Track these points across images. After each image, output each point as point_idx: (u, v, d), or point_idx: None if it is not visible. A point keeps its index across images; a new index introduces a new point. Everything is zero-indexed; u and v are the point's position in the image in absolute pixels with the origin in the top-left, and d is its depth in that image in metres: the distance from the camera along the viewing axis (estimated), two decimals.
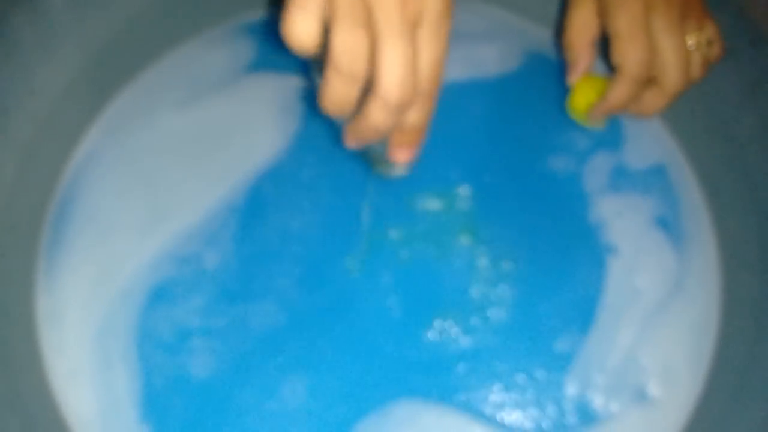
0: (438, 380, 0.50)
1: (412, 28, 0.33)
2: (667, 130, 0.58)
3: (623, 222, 0.55)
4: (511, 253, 0.53)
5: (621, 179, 0.56)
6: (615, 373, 0.51)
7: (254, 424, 0.49)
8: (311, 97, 0.57)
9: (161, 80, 0.57)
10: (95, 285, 0.52)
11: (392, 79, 0.33)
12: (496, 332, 0.51)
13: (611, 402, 0.50)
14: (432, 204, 0.54)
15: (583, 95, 0.51)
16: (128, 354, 0.50)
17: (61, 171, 0.54)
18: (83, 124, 0.55)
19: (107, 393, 0.50)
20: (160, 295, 0.52)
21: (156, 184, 0.54)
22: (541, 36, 0.60)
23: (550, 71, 0.58)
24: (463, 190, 0.54)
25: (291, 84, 0.57)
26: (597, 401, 0.50)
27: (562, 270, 0.53)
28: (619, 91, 0.46)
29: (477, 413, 0.50)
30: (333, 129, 0.55)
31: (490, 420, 0.50)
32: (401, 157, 0.40)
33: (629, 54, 0.44)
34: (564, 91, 0.51)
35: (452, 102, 0.57)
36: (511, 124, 0.56)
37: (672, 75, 0.45)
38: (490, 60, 0.58)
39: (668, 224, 0.55)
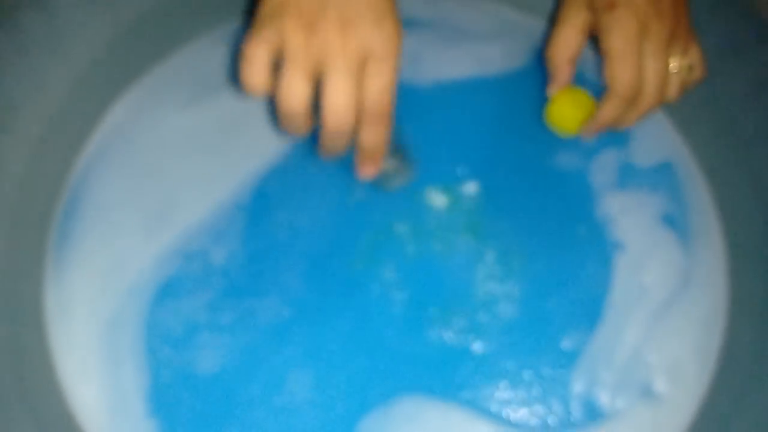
0: (443, 376, 0.50)
1: (357, 64, 0.38)
2: (674, 128, 0.58)
3: (630, 219, 0.55)
4: (518, 250, 0.53)
5: (628, 176, 0.56)
6: (622, 369, 0.51)
7: (261, 417, 0.49)
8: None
9: (168, 79, 0.57)
10: (104, 281, 0.52)
11: (330, 109, 0.39)
12: (502, 329, 0.51)
13: (618, 399, 0.50)
14: (438, 200, 0.54)
15: (560, 106, 0.52)
16: (136, 349, 0.51)
17: (70, 168, 0.55)
18: (91, 121, 0.56)
19: (115, 387, 0.50)
20: (167, 291, 0.52)
21: (164, 181, 0.54)
22: (547, 33, 0.60)
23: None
24: (470, 187, 0.55)
25: None
26: (603, 398, 0.50)
27: (568, 267, 0.53)
28: (609, 109, 0.47)
29: (482, 410, 0.50)
30: None
31: (495, 417, 0.50)
32: (364, 172, 0.45)
33: (621, 75, 0.45)
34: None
35: (459, 99, 0.57)
36: (517, 121, 0.56)
37: (648, 96, 0.46)
38: (496, 57, 0.58)
39: (675, 221, 0.55)
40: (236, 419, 0.49)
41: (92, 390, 0.50)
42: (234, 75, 0.57)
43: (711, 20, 0.53)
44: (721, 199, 0.55)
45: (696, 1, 0.53)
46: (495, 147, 0.56)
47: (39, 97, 0.51)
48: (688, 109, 0.56)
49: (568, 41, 0.49)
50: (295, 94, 0.38)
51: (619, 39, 0.44)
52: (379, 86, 0.39)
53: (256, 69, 0.38)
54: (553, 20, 0.50)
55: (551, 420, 0.50)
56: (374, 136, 0.41)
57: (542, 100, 0.53)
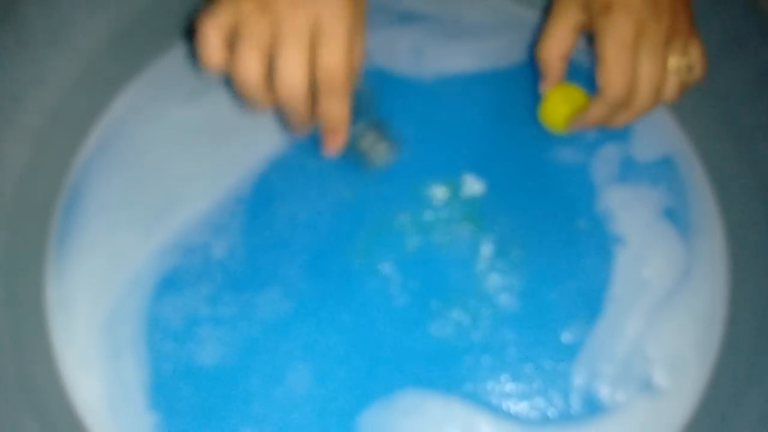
0: (444, 369, 0.50)
1: (307, 38, 0.39)
2: (675, 122, 0.58)
3: (631, 213, 0.55)
4: (519, 243, 0.53)
5: (629, 170, 0.56)
6: (622, 363, 0.51)
7: (261, 411, 0.49)
8: None
9: (169, 73, 0.57)
10: (104, 274, 0.52)
11: (279, 83, 0.39)
12: (502, 322, 0.51)
13: (618, 392, 0.50)
14: (439, 193, 0.54)
15: (553, 103, 0.52)
16: (137, 342, 0.51)
17: (71, 161, 0.55)
18: (93, 115, 0.56)
19: (116, 380, 0.50)
20: (168, 284, 0.52)
21: (164, 175, 0.55)
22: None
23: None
24: (471, 180, 0.55)
25: None
26: (604, 391, 0.50)
27: (569, 260, 0.53)
28: (598, 112, 0.47)
29: (483, 403, 0.50)
30: None
31: (496, 409, 0.50)
32: (329, 144, 0.45)
33: (613, 81, 0.45)
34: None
35: (460, 93, 0.57)
36: (518, 115, 0.56)
37: (642, 98, 0.46)
38: (498, 51, 0.58)
39: (676, 215, 0.55)
40: (236, 412, 0.50)
41: (93, 383, 0.50)
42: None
43: (713, 15, 0.53)
44: (721, 193, 0.55)
45: None
46: (496, 140, 0.56)
47: (40, 91, 0.51)
48: (690, 103, 0.56)
49: (561, 39, 0.48)
50: (248, 69, 0.39)
51: (613, 44, 0.44)
52: (329, 59, 0.39)
53: (212, 47, 0.39)
54: (546, 16, 0.50)
55: (551, 413, 0.50)
56: (331, 109, 0.42)
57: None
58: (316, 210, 0.54)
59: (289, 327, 0.51)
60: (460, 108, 0.57)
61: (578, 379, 0.51)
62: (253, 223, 0.53)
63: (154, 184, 0.54)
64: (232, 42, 0.40)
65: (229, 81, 0.41)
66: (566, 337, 0.51)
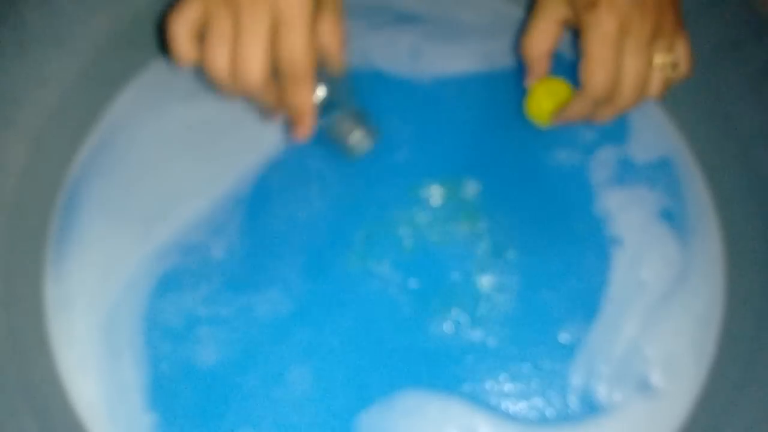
0: (442, 370, 0.50)
1: (266, 29, 0.40)
2: (672, 124, 0.58)
3: (628, 214, 0.55)
4: (516, 244, 0.53)
5: (626, 172, 0.56)
6: (619, 363, 0.51)
7: (260, 412, 0.49)
8: None
9: (170, 73, 0.57)
10: (103, 274, 0.52)
11: (238, 74, 0.41)
12: (500, 322, 0.52)
13: (615, 392, 0.51)
14: (438, 194, 0.54)
15: (538, 98, 0.53)
16: (135, 342, 0.51)
17: (71, 161, 0.55)
18: (92, 114, 0.56)
19: (115, 380, 0.50)
20: (167, 284, 0.52)
21: (164, 175, 0.55)
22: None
23: (557, 64, 0.58)
24: (469, 181, 0.55)
25: None
26: (601, 391, 0.51)
27: (567, 261, 0.53)
28: (580, 107, 0.47)
29: (482, 403, 0.50)
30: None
31: (494, 409, 0.50)
32: (296, 131, 0.45)
33: (595, 78, 0.45)
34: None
35: (458, 94, 0.57)
36: (516, 116, 0.56)
37: (626, 95, 0.46)
38: (496, 53, 0.58)
39: (673, 217, 0.55)
40: (235, 413, 0.50)
41: (92, 383, 0.51)
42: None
43: (709, 16, 0.53)
44: (718, 195, 0.55)
45: None
46: (494, 141, 0.56)
47: (40, 91, 0.51)
48: (687, 105, 0.56)
49: (545, 34, 0.48)
50: (216, 62, 0.41)
51: (597, 41, 0.44)
52: (288, 48, 0.40)
53: (182, 43, 0.41)
54: (530, 11, 0.50)
55: (549, 413, 0.50)
56: (293, 97, 0.43)
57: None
58: (314, 210, 0.54)
59: (288, 327, 0.51)
60: (457, 109, 0.57)
61: (576, 379, 0.51)
62: (252, 223, 0.54)
63: (153, 185, 0.54)
64: (201, 35, 0.41)
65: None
66: (564, 337, 0.52)
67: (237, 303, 0.52)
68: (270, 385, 0.50)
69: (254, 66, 0.40)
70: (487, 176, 0.55)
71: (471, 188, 0.55)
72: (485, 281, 0.53)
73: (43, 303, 0.52)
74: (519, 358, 0.51)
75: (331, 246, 0.53)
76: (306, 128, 0.45)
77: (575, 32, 0.48)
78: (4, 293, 0.49)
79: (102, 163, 0.55)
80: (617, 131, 0.57)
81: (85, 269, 0.53)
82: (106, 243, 0.53)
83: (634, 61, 0.45)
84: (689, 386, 0.51)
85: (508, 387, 0.51)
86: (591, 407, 0.50)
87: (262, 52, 0.40)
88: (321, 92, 0.46)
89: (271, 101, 0.43)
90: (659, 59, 0.46)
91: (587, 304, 0.53)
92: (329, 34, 0.44)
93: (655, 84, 0.47)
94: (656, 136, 0.57)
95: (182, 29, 0.41)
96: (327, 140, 0.49)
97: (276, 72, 0.42)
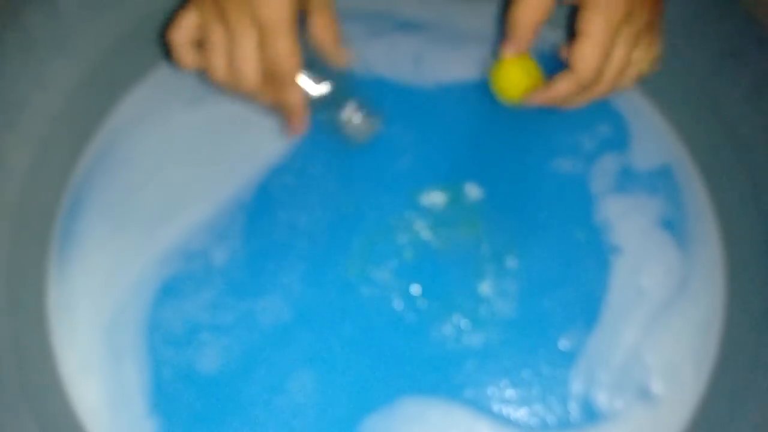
0: (444, 376, 0.51)
1: (252, 36, 0.43)
2: (673, 132, 0.58)
3: (629, 222, 0.55)
4: (518, 251, 0.54)
5: (627, 180, 0.56)
6: (619, 370, 0.51)
7: (261, 418, 0.50)
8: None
9: (173, 79, 0.58)
10: (106, 279, 0.52)
11: (238, 77, 0.44)
12: (501, 328, 0.52)
13: (615, 399, 0.51)
14: (439, 200, 0.55)
15: (512, 73, 0.50)
16: (137, 347, 0.51)
17: (74, 166, 0.55)
18: (96, 120, 0.56)
19: (116, 385, 0.50)
20: (169, 290, 0.52)
21: (166, 180, 0.55)
22: (548, 37, 0.60)
23: (557, 71, 0.59)
24: (470, 188, 0.55)
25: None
26: (601, 398, 0.51)
27: (567, 269, 0.54)
28: (564, 88, 0.46)
29: (483, 409, 0.50)
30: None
31: (496, 416, 0.50)
32: (290, 127, 0.48)
33: (589, 59, 0.44)
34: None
35: (460, 101, 0.58)
36: (518, 123, 0.56)
37: (606, 82, 0.46)
38: None
39: (673, 225, 0.55)
40: (236, 419, 0.50)
41: (93, 387, 0.51)
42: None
43: (710, 25, 0.54)
44: (719, 203, 0.56)
45: (696, 6, 0.54)
46: (495, 149, 0.56)
47: (43, 96, 0.51)
48: (687, 113, 0.57)
49: (539, 5, 0.46)
50: (216, 70, 0.44)
51: (601, 22, 0.43)
52: (272, 54, 0.43)
53: (182, 52, 0.45)
54: None
55: (550, 419, 0.50)
56: (283, 96, 0.45)
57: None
58: (315, 216, 0.54)
59: (290, 334, 0.51)
60: (459, 116, 0.57)
61: (576, 386, 0.51)
62: (254, 229, 0.54)
63: (156, 189, 0.55)
64: (199, 42, 0.45)
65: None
66: (564, 344, 0.52)
67: (239, 309, 0.52)
68: (271, 391, 0.50)
69: (248, 72, 0.44)
70: (488, 183, 0.55)
71: (472, 194, 0.55)
72: (485, 287, 0.53)
73: (45, 307, 0.52)
74: (520, 364, 0.51)
75: (333, 252, 0.53)
76: (299, 124, 0.48)
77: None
78: (8, 297, 0.49)
79: (105, 168, 0.55)
80: (618, 139, 0.57)
81: (88, 273, 0.53)
82: (109, 247, 0.53)
83: (623, 50, 0.45)
84: (689, 394, 0.52)
85: (509, 393, 0.51)
86: (592, 414, 0.50)
87: (253, 59, 0.43)
88: (324, 88, 0.47)
89: (269, 100, 0.46)
90: (640, 54, 0.46)
91: (587, 312, 0.53)
92: (322, 29, 0.47)
93: (631, 76, 0.46)
94: (657, 144, 0.58)
95: (181, 40, 0.45)
96: (331, 131, 0.50)
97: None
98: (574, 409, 0.51)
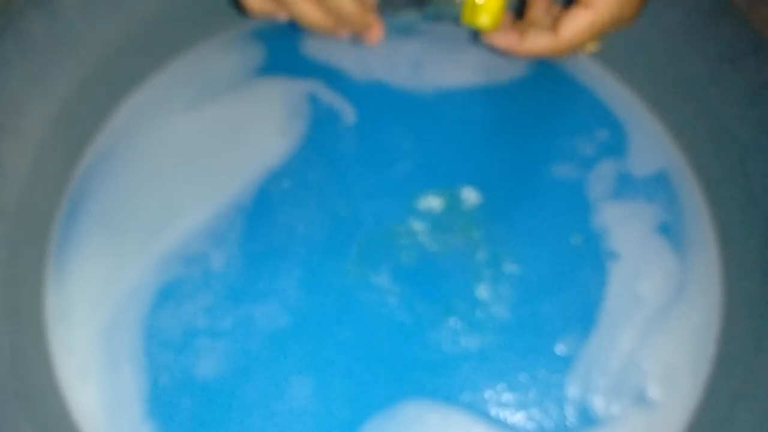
0: (442, 379, 0.51)
1: None
2: (670, 138, 0.58)
3: (626, 228, 0.55)
4: (514, 256, 0.54)
5: (624, 186, 0.56)
6: (616, 376, 0.51)
7: (260, 424, 0.49)
8: (317, 102, 0.58)
9: (172, 83, 0.58)
10: (104, 283, 0.52)
11: (338, 11, 0.46)
12: (498, 333, 0.52)
13: (612, 405, 0.51)
14: (436, 205, 0.55)
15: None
16: (135, 352, 0.51)
17: (72, 171, 0.55)
18: (94, 124, 0.56)
19: (114, 390, 0.50)
20: (167, 295, 0.52)
21: (165, 185, 0.55)
22: None
23: (557, 78, 0.59)
24: (468, 192, 0.55)
25: (299, 88, 0.58)
26: (598, 404, 0.51)
27: (564, 274, 0.54)
28: (540, 48, 0.47)
29: (481, 413, 0.50)
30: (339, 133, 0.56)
31: (493, 420, 0.50)
32: (366, 41, 0.50)
33: (582, 33, 0.45)
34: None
35: (459, 106, 0.58)
36: (516, 129, 0.57)
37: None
38: (497, 66, 0.59)
39: (671, 231, 0.55)
40: (234, 424, 0.50)
41: (91, 392, 0.50)
42: (250, 73, 0.58)
43: (708, 32, 0.54)
44: (716, 209, 0.56)
45: (692, 13, 0.54)
46: (493, 154, 0.57)
47: (42, 100, 0.51)
48: (685, 119, 0.57)
49: None
50: (306, 12, 0.46)
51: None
52: None
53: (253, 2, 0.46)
54: None
55: (547, 424, 0.50)
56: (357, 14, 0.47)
57: (542, 109, 0.54)
58: (315, 221, 0.54)
59: (288, 339, 0.51)
60: (458, 121, 0.57)
61: (573, 391, 0.51)
62: (252, 233, 0.54)
63: (154, 194, 0.55)
64: None
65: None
66: (560, 349, 0.52)
67: (236, 314, 0.52)
68: (270, 396, 0.50)
69: (345, 3, 0.45)
70: (485, 187, 0.55)
71: (470, 199, 0.55)
72: (483, 291, 0.53)
73: (43, 312, 0.52)
74: (517, 368, 0.51)
75: (330, 256, 0.53)
76: (374, 31, 0.50)
77: None
78: (5, 301, 0.49)
79: (103, 173, 0.55)
80: (615, 145, 0.57)
81: (86, 278, 0.53)
82: (107, 252, 0.53)
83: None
84: (687, 399, 0.52)
85: (506, 397, 0.51)
86: (588, 419, 0.51)
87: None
88: None
89: (358, 22, 0.47)
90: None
91: (584, 316, 0.53)
92: None
93: (588, 46, 0.48)
94: (654, 149, 0.58)
95: None
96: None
97: None
98: (570, 414, 0.51)
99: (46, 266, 0.53)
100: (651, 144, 0.58)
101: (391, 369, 0.51)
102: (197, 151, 0.56)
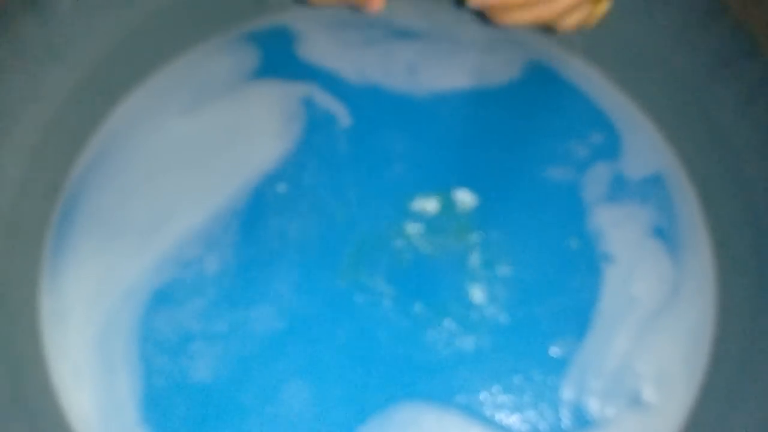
0: (437, 381, 0.51)
1: None
2: (665, 140, 0.58)
3: (620, 231, 0.55)
4: (509, 258, 0.54)
5: (618, 189, 0.56)
6: (611, 378, 0.51)
7: (254, 427, 0.49)
8: (312, 105, 0.58)
9: (167, 86, 0.58)
10: (99, 287, 0.52)
11: None
12: (493, 335, 0.52)
13: (607, 406, 0.51)
14: (431, 207, 0.55)
15: None
16: (130, 356, 0.51)
17: (67, 174, 0.55)
18: (89, 127, 0.56)
19: (109, 394, 0.50)
20: (162, 298, 0.52)
21: (160, 188, 0.55)
22: (543, 47, 0.61)
23: (551, 81, 0.59)
24: (463, 195, 0.55)
25: (294, 91, 0.58)
26: (593, 406, 0.51)
27: (559, 276, 0.54)
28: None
29: (476, 414, 0.50)
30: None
31: (488, 421, 0.50)
32: (369, 6, 0.48)
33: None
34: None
35: (454, 110, 0.58)
36: (511, 132, 0.57)
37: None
38: (492, 69, 0.59)
39: (665, 233, 0.55)
40: (229, 428, 0.50)
41: (86, 396, 0.50)
42: (245, 76, 0.58)
43: (702, 34, 0.54)
44: (710, 211, 0.56)
45: (687, 16, 0.54)
46: (488, 157, 0.57)
47: (36, 104, 0.51)
48: (679, 122, 0.57)
49: None
50: None
51: None
52: None
53: None
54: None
55: (542, 426, 0.50)
56: None
57: (537, 111, 0.54)
58: (309, 224, 0.54)
59: (283, 343, 0.51)
60: (453, 124, 0.58)
61: (568, 393, 0.51)
62: (247, 237, 0.54)
63: (149, 198, 0.55)
64: None
65: None
66: (555, 351, 0.52)
67: (231, 317, 0.52)
68: (265, 400, 0.50)
69: None
70: (480, 190, 0.55)
71: (464, 201, 0.55)
72: (478, 293, 0.53)
73: (37, 315, 0.52)
74: (512, 370, 0.51)
75: (325, 259, 0.53)
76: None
77: None
78: (0, 305, 0.49)
79: (98, 176, 0.55)
80: (610, 148, 0.58)
81: (81, 282, 0.53)
82: (102, 256, 0.53)
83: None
84: (681, 401, 0.52)
85: (501, 399, 0.51)
86: (583, 421, 0.51)
87: None
88: None
89: None
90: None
91: (579, 319, 0.53)
92: None
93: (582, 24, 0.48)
94: (648, 152, 0.58)
95: None
96: None
97: None
98: (565, 416, 0.51)
99: (40, 270, 0.53)
100: (645, 146, 0.58)
101: (386, 371, 0.51)
102: (192, 154, 0.56)
